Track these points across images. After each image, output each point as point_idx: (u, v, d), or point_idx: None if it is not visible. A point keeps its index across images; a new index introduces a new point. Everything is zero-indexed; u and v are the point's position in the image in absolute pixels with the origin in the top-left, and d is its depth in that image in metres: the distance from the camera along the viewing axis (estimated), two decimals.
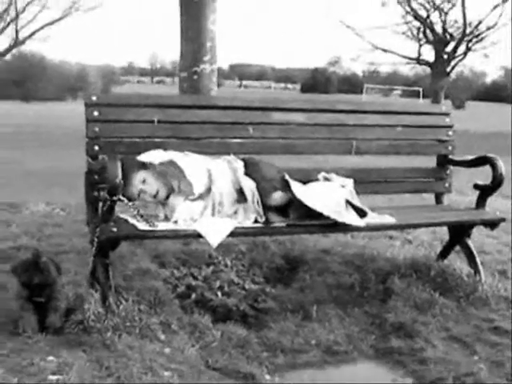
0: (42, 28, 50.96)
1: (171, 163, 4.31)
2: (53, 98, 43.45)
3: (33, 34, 50.73)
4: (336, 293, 4.81)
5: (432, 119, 5.62)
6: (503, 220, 5.10)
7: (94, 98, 4.48)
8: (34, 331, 3.72)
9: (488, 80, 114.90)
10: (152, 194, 4.36)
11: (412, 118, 5.57)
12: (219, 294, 4.66)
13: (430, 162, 5.61)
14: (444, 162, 5.49)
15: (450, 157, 5.48)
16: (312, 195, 4.39)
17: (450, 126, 5.54)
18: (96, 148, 4.38)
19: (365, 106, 5.84)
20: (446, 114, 5.61)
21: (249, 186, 4.41)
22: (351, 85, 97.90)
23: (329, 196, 4.47)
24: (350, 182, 4.72)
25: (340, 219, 4.34)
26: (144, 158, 4.34)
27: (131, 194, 4.25)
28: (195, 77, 6.45)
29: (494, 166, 5.01)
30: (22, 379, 3.25)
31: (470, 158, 5.34)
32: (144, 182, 4.32)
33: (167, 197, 4.40)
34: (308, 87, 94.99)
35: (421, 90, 70.09)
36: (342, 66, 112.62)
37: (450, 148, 5.49)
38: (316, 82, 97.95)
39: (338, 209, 4.39)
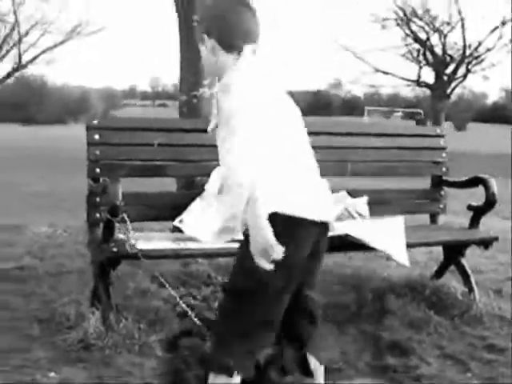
0: (43, 52, 51.02)
1: None
2: (54, 121, 43.56)
3: (35, 58, 50.76)
4: (332, 311, 4.85)
5: (427, 141, 5.69)
6: (496, 239, 5.13)
7: (95, 122, 4.57)
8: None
9: (489, 101, 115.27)
10: None
11: (407, 139, 5.66)
12: None
13: (422, 183, 5.69)
14: (439, 183, 5.56)
15: (445, 178, 5.55)
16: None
17: (444, 148, 5.62)
18: (97, 170, 4.46)
19: (361, 128, 5.89)
20: (441, 136, 5.69)
21: None
22: (352, 107, 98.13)
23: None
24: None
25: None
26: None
27: None
28: (195, 100, 6.47)
29: (486, 187, 5.07)
30: None
31: (464, 179, 5.39)
32: None
33: None
34: (310, 110, 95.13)
35: (421, 112, 70.16)
36: (342, 89, 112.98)
37: (444, 169, 5.57)
38: (318, 104, 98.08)
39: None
